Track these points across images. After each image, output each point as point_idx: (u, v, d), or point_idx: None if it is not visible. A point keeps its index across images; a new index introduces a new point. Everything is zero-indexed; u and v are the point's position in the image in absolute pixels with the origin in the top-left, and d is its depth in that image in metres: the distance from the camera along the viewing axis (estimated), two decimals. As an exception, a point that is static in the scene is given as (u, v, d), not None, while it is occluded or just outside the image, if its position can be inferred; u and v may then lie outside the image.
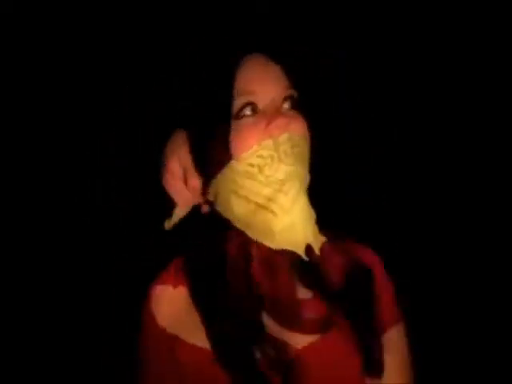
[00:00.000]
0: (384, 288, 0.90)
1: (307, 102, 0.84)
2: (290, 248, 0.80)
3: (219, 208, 0.84)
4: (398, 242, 1.30)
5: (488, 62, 1.38)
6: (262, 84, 0.81)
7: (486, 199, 1.42)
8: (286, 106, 0.82)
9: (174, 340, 0.84)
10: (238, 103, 0.80)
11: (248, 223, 0.81)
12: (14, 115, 1.28)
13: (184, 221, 0.88)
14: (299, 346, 0.82)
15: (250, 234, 0.81)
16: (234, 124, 0.79)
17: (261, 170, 0.79)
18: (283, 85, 0.82)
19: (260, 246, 0.82)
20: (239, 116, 0.80)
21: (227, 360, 0.79)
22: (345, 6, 1.36)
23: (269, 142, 0.79)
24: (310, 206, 0.81)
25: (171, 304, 0.87)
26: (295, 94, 0.83)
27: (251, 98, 0.80)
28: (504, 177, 1.41)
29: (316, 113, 0.85)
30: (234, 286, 0.83)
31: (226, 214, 0.83)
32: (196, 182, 0.84)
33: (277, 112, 0.80)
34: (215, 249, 0.85)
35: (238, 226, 0.82)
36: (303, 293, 0.85)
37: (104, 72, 1.26)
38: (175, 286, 0.87)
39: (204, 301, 0.84)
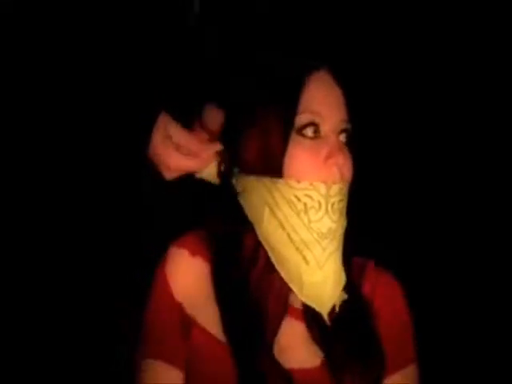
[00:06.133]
0: (395, 325, 0.86)
1: (359, 139, 0.83)
2: (315, 307, 0.78)
3: (245, 207, 0.81)
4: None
5: (488, 62, 1.38)
6: (327, 107, 0.79)
7: (484, 207, 1.42)
8: (342, 138, 0.80)
9: (190, 321, 0.82)
10: (302, 119, 0.78)
11: (276, 250, 0.79)
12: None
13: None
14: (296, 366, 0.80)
15: (276, 262, 0.79)
16: (295, 138, 0.78)
17: (306, 210, 0.77)
18: (344, 115, 0.81)
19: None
20: (301, 133, 0.78)
21: (241, 358, 0.77)
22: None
23: (321, 187, 0.77)
24: (342, 267, 0.80)
25: (187, 273, 0.84)
26: (351, 129, 0.82)
27: (316, 119, 0.78)
28: (504, 190, 1.40)
29: (363, 151, 0.85)
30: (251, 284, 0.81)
31: (254, 221, 0.81)
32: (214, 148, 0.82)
33: (338, 144, 0.79)
34: (237, 236, 0.83)
35: (263, 242, 0.80)
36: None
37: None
38: (193, 254, 0.84)
39: (226, 289, 0.82)
